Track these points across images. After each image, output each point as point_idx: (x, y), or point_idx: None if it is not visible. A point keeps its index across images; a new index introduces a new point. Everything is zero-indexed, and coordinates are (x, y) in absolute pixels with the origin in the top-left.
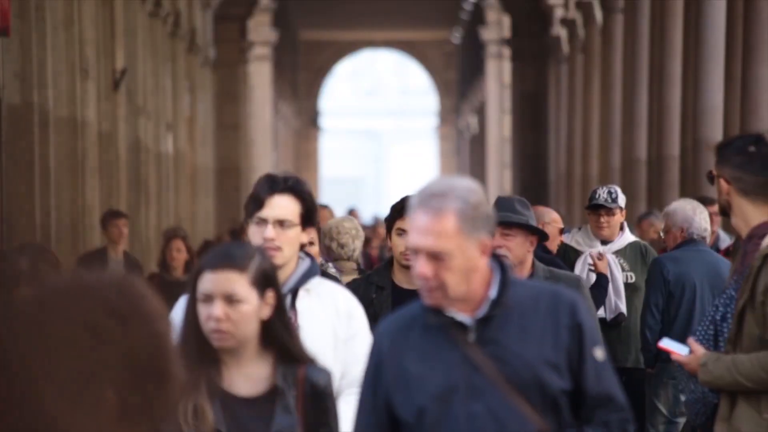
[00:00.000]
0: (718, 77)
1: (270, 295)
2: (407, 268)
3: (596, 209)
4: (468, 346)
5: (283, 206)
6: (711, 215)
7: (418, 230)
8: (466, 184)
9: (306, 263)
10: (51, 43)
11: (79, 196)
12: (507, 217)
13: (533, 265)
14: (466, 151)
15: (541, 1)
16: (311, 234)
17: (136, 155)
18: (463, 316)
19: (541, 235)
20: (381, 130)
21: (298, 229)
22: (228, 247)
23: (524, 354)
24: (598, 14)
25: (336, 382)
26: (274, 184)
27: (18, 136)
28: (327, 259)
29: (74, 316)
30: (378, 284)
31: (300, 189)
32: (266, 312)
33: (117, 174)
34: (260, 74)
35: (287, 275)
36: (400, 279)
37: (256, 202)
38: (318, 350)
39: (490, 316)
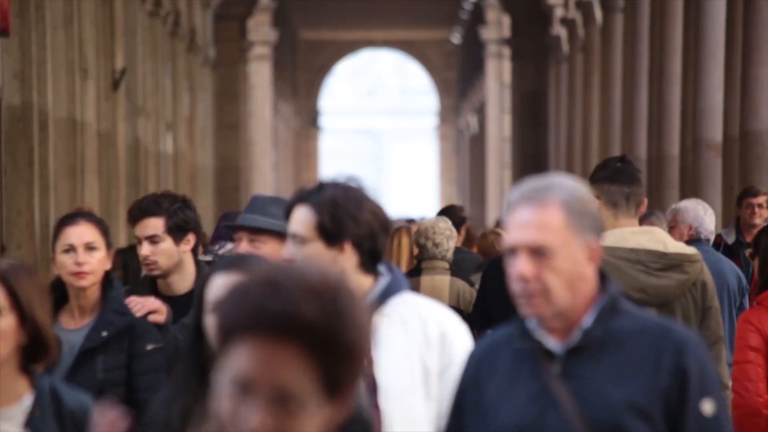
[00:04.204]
0: (718, 77)
1: None
2: (160, 277)
3: None
4: (550, 379)
5: (297, 220)
6: (755, 207)
7: (518, 225)
8: (570, 179)
9: (384, 280)
10: (50, 43)
11: (78, 196)
12: (253, 221)
13: None
14: (466, 151)
15: (541, 0)
16: (346, 249)
17: (136, 155)
18: (553, 344)
19: None
20: (381, 130)
21: (317, 244)
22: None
23: (609, 395)
24: (598, 14)
25: (434, 424)
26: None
27: (17, 136)
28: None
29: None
30: (141, 295)
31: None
32: None
33: (116, 174)
34: (260, 74)
35: None
36: (162, 288)
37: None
38: (401, 388)
39: (581, 348)
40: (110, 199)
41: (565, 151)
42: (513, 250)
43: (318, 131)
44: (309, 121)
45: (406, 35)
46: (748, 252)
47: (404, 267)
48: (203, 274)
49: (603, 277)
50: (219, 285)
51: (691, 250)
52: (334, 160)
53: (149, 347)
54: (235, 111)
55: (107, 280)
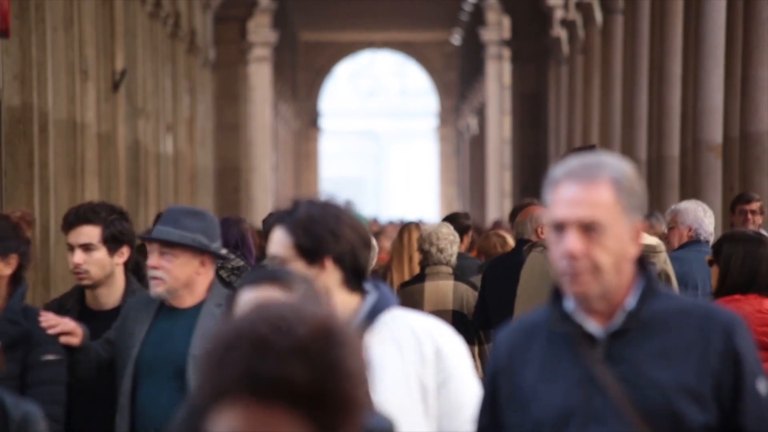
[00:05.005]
0: (718, 77)
1: None
2: (89, 287)
3: None
4: (594, 364)
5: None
6: (748, 213)
7: (567, 201)
8: (617, 158)
9: (371, 298)
10: (50, 44)
11: (78, 197)
12: (166, 234)
13: (211, 289)
14: (466, 152)
15: (541, 2)
16: (328, 267)
17: (136, 156)
18: (594, 327)
19: (218, 255)
20: (381, 131)
21: (298, 264)
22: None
23: (658, 378)
24: (598, 15)
25: None
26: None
27: (18, 138)
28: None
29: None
30: (68, 307)
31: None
32: None
33: (116, 175)
34: (260, 75)
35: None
36: (90, 301)
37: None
38: (397, 408)
39: (625, 330)
40: (110, 200)
41: (565, 153)
42: (560, 227)
43: (318, 132)
44: (309, 122)
45: (406, 37)
46: (707, 258)
47: (415, 262)
48: (132, 290)
49: (639, 258)
50: (247, 301)
51: (655, 241)
52: (334, 162)
53: (45, 358)
54: (235, 112)
55: (14, 287)
